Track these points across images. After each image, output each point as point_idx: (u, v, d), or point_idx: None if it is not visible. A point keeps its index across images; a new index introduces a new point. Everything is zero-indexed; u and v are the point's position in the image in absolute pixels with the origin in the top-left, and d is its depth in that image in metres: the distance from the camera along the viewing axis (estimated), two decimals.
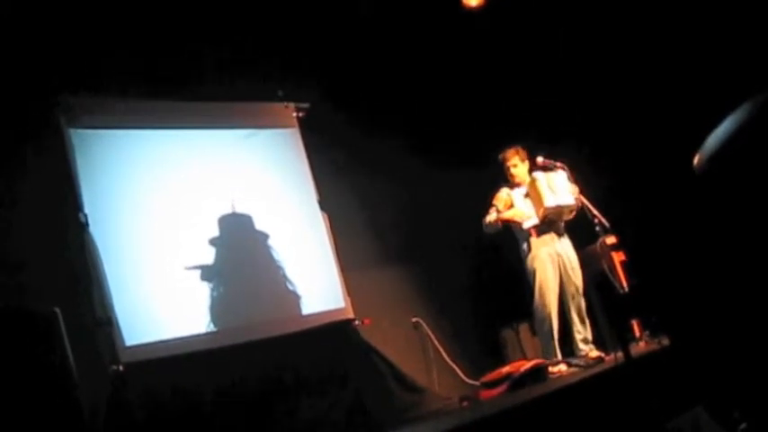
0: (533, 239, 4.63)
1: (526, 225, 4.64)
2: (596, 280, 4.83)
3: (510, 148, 4.79)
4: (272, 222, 4.83)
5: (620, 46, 4.96)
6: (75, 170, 4.11)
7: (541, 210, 4.54)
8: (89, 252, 3.99)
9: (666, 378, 2.94)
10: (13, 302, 3.54)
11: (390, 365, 4.81)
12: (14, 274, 3.70)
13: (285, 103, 5.25)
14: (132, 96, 4.52)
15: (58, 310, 2.65)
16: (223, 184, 4.69)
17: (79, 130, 4.22)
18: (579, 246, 4.79)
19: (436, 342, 5.27)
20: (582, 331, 4.58)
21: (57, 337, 2.57)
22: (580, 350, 4.53)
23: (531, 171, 4.76)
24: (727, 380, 2.12)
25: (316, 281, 4.87)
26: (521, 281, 4.79)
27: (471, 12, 5.21)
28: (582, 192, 4.68)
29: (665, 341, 3.64)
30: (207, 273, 4.43)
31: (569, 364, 4.43)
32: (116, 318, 3.93)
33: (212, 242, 4.53)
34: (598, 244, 4.78)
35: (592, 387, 3.27)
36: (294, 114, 5.27)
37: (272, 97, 5.19)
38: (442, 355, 5.25)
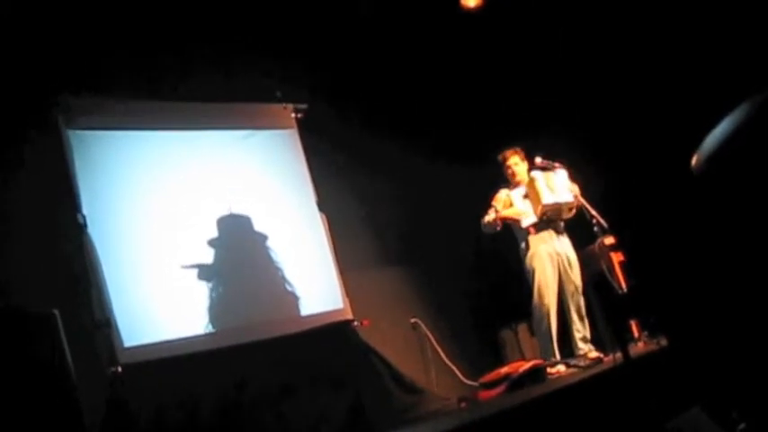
0: (532, 237, 4.63)
1: (524, 223, 4.64)
2: (595, 280, 4.83)
3: (509, 148, 4.80)
4: (270, 223, 4.83)
5: (619, 46, 4.96)
6: (73, 171, 4.10)
7: (539, 207, 4.55)
8: (87, 253, 3.98)
9: (665, 378, 2.95)
10: (12, 304, 3.54)
11: (389, 366, 4.81)
12: (13, 275, 3.70)
13: (284, 104, 5.24)
14: (131, 97, 4.52)
15: (56, 311, 2.64)
16: (222, 185, 4.69)
17: (78, 131, 4.22)
18: (578, 246, 4.80)
19: (435, 343, 5.27)
20: (581, 330, 4.58)
21: (55, 338, 2.57)
22: (579, 349, 4.53)
23: (529, 171, 4.77)
24: (725, 380, 2.13)
25: (314, 282, 4.87)
26: (519, 281, 4.79)
27: (470, 13, 5.22)
28: (581, 192, 4.68)
29: (664, 341, 3.65)
30: (205, 274, 4.42)
31: (568, 365, 4.43)
32: (115, 319, 3.92)
33: (211, 243, 4.52)
34: (597, 244, 4.78)
35: (591, 387, 3.27)
36: (293, 115, 5.26)
37: (270, 98, 5.19)
38: (440, 355, 5.24)
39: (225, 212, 4.65)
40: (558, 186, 4.61)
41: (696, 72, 4.47)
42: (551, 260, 4.60)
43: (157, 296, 4.16)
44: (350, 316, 4.90)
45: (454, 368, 5.22)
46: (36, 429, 2.34)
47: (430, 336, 5.29)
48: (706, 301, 2.09)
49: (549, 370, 4.38)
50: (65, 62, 4.14)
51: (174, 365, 3.96)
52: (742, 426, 2.09)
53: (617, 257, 4.76)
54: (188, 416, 3.86)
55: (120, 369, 3.79)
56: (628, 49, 4.92)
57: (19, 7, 3.90)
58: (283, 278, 4.75)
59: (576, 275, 4.62)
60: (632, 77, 4.92)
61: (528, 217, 4.63)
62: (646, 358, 3.62)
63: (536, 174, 4.68)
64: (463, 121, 5.75)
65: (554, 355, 4.51)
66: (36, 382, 2.42)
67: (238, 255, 4.66)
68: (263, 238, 4.78)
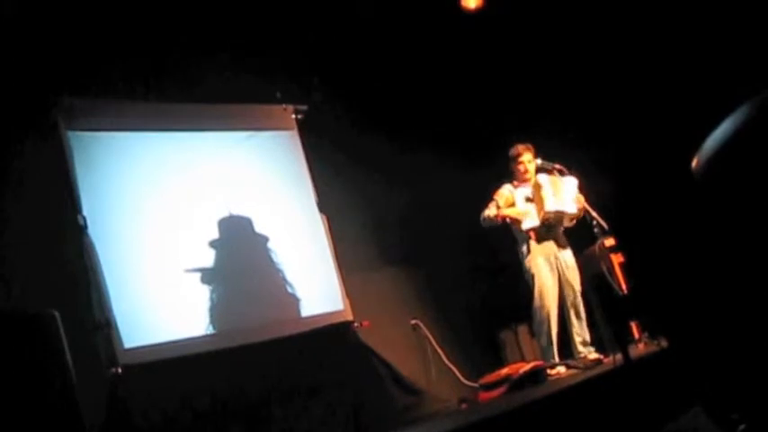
0: (532, 243, 4.63)
1: (525, 226, 4.63)
2: (595, 282, 4.83)
3: (520, 143, 4.78)
4: (270, 224, 4.83)
5: (619, 48, 4.96)
6: (73, 172, 4.10)
7: (542, 212, 4.53)
8: (87, 254, 3.98)
9: (665, 380, 2.95)
10: (12, 305, 3.55)
11: (389, 367, 4.81)
12: (13, 276, 3.70)
13: (284, 105, 5.25)
14: (131, 98, 4.52)
15: (56, 312, 2.64)
16: (222, 187, 4.69)
17: (78, 132, 4.22)
18: (578, 248, 4.80)
19: (435, 344, 5.27)
20: (581, 333, 4.58)
21: (55, 339, 2.56)
22: (579, 352, 4.53)
23: (537, 171, 4.75)
24: (725, 381, 2.13)
25: (315, 283, 4.87)
26: (519, 282, 4.79)
27: (470, 14, 5.22)
28: (580, 192, 4.67)
29: (664, 343, 3.65)
30: (205, 275, 4.42)
31: (568, 366, 4.42)
32: (114, 320, 3.91)
33: (211, 244, 4.52)
34: (597, 246, 4.78)
35: (591, 389, 3.27)
36: (293, 116, 5.26)
37: (270, 99, 5.19)
38: (440, 356, 5.24)
39: (225, 214, 4.64)
40: (564, 194, 4.58)
41: (696, 73, 4.47)
42: (550, 263, 4.60)
43: (158, 297, 4.16)
44: (350, 317, 4.89)
45: (454, 369, 5.22)
46: (36, 430, 2.34)
47: (430, 337, 5.29)
48: (706, 303, 2.09)
49: (549, 371, 4.38)
50: (65, 63, 4.13)
51: (175, 366, 3.96)
52: (742, 427, 2.09)
53: (617, 259, 4.75)
54: (188, 416, 3.86)
55: (120, 370, 3.79)
56: (628, 50, 4.93)
57: (19, 9, 3.90)
58: (283, 279, 4.75)
59: (574, 278, 4.62)
60: (632, 78, 4.93)
61: (529, 219, 4.62)
62: (646, 360, 3.63)
63: (543, 179, 4.61)
64: (463, 121, 5.76)
65: (554, 357, 4.51)
66: (36, 382, 2.42)
67: (239, 256, 4.66)
68: (264, 239, 4.78)
